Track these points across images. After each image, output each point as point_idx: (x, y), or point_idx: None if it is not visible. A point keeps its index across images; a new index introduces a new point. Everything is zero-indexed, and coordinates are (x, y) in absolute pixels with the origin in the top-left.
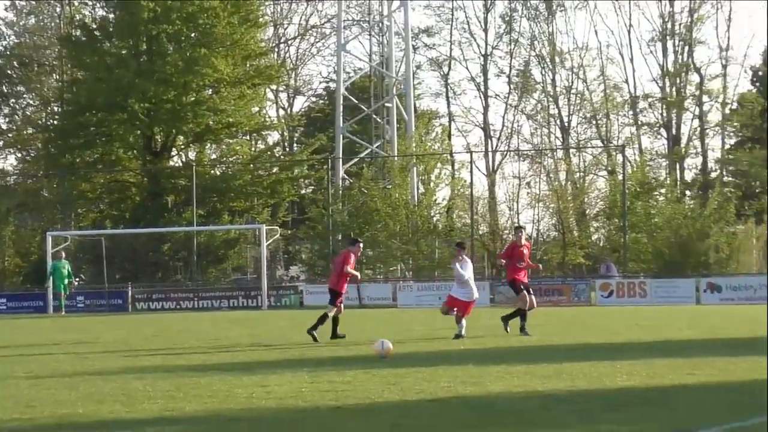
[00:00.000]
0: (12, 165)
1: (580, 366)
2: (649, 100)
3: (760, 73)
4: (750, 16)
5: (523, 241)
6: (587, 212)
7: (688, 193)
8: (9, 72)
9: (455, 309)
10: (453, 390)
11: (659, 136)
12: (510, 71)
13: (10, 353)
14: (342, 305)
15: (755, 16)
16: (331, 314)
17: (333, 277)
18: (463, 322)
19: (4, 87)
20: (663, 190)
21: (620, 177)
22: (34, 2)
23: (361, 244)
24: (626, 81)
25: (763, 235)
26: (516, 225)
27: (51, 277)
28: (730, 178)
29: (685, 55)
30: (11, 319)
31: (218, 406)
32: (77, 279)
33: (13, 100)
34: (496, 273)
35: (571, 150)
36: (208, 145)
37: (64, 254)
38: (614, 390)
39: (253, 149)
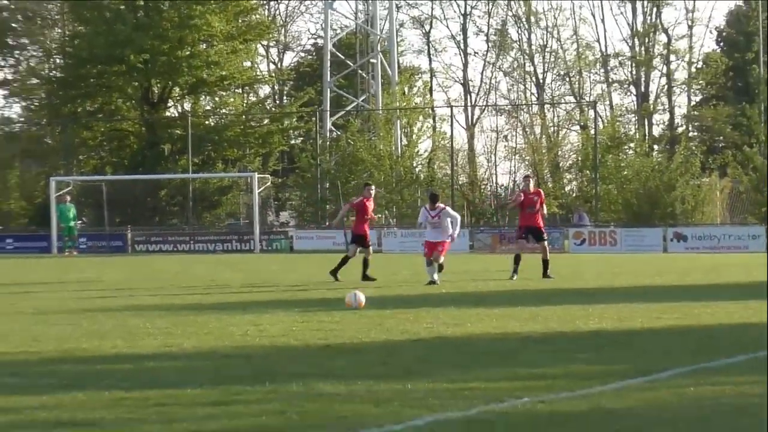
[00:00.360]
0: (17, 113)
1: (555, 309)
2: (619, 58)
3: (725, 32)
4: None
5: (532, 189)
6: (561, 164)
7: (655, 147)
8: (13, 25)
9: (436, 251)
10: (435, 331)
11: (629, 93)
12: (488, 30)
13: (17, 291)
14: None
15: None
16: (369, 257)
17: (355, 224)
18: (442, 260)
19: (9, 39)
20: (632, 144)
21: (592, 131)
22: None
23: (372, 188)
24: (597, 40)
25: (726, 186)
26: (525, 174)
27: (59, 219)
28: (695, 134)
29: (654, 15)
30: (18, 258)
31: (214, 343)
32: (80, 221)
33: (17, 52)
34: (475, 221)
35: (546, 105)
36: (203, 96)
37: (69, 198)
38: (586, 332)
39: (245, 101)
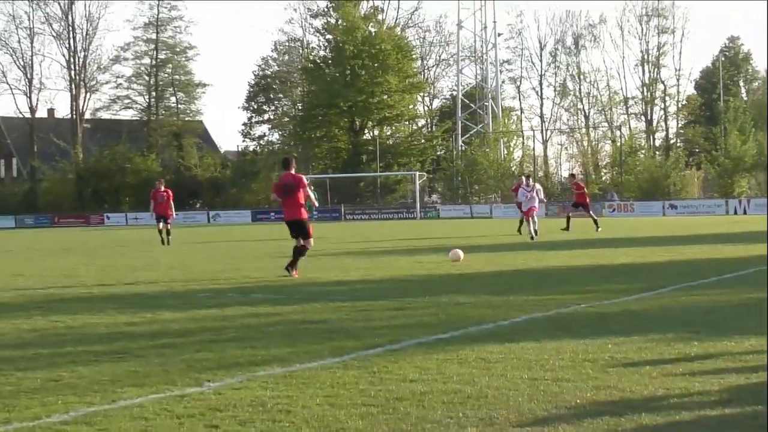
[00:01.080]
0: (276, 138)
1: (597, 251)
2: (634, 99)
3: (699, 82)
4: (690, 51)
5: (577, 180)
6: (599, 164)
7: (657, 152)
8: (274, 87)
9: (528, 214)
10: (527, 264)
11: (641, 119)
12: (555, 83)
13: (275, 244)
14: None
15: (694, 51)
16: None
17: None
18: (532, 224)
19: (271, 94)
20: (643, 151)
21: (618, 144)
22: (287, 47)
23: (523, 177)
24: (621, 88)
25: (700, 175)
26: (570, 173)
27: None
28: (681, 144)
29: (655, 73)
30: (276, 224)
31: (394, 273)
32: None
33: (276, 102)
34: (548, 198)
35: (590, 128)
36: (385, 126)
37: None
38: (618, 264)
39: (410, 128)
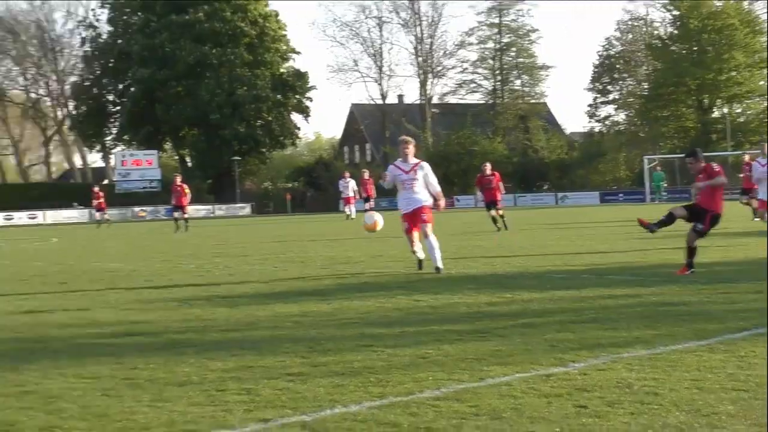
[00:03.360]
0: (622, 118)
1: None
2: None
3: None
4: None
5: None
6: None
7: None
8: (618, 66)
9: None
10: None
11: None
12: None
13: (624, 225)
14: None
15: None
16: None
17: None
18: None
19: (615, 75)
20: None
21: None
22: (629, 25)
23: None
24: None
25: None
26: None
27: (651, 180)
28: None
29: None
30: (626, 205)
31: (754, 255)
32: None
33: (621, 82)
34: None
35: None
36: (735, 104)
37: (659, 168)
38: None
39: (762, 106)
